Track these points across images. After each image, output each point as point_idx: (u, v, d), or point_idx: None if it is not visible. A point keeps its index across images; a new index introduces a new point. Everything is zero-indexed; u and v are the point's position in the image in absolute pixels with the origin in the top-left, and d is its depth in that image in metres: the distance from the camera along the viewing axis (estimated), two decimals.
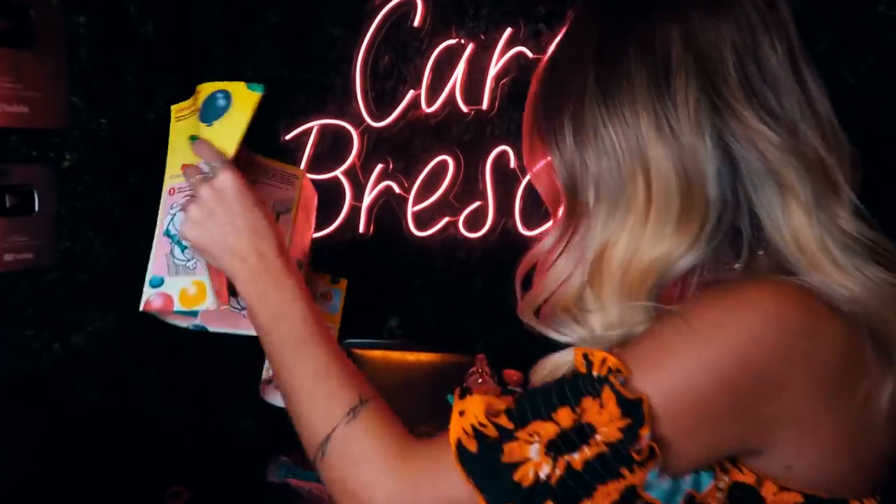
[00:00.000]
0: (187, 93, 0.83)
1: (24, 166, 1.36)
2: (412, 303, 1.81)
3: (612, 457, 0.56)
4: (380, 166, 1.74)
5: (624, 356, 0.59)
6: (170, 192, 0.83)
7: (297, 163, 1.70)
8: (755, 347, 0.56)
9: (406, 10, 1.70)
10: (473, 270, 1.78)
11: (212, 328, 0.88)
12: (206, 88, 0.82)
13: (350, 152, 1.72)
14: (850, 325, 0.59)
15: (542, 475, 0.57)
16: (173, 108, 0.86)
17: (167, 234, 0.82)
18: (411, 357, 1.64)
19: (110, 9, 1.48)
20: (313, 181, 0.96)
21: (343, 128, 1.72)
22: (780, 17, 0.64)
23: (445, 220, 1.76)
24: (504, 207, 1.73)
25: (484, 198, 1.75)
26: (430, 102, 1.72)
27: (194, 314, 0.85)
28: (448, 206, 1.75)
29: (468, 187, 1.75)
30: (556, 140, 0.66)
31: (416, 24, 1.70)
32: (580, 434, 0.57)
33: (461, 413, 0.61)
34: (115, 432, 1.52)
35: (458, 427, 0.60)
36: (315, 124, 1.71)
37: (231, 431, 1.73)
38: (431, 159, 1.74)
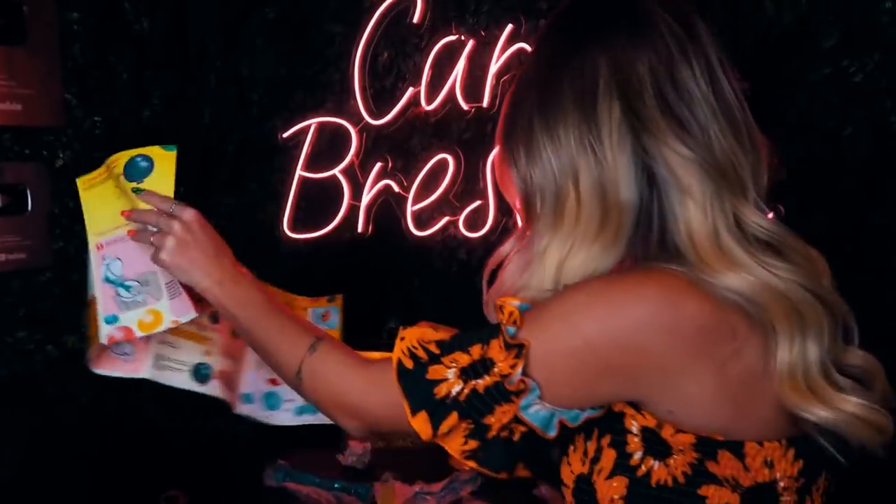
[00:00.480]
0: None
1: (17, 165, 1.36)
2: (412, 303, 1.80)
3: (503, 386, 0.71)
4: (379, 165, 1.72)
5: (526, 314, 0.73)
6: (98, 247, 0.97)
7: (295, 161, 1.68)
8: (621, 322, 0.70)
9: (405, 6, 1.68)
10: (473, 270, 1.76)
11: (96, 371, 1.01)
12: (120, 157, 0.98)
13: (348, 151, 1.70)
14: (719, 301, 0.70)
15: (454, 392, 0.73)
16: (79, 180, 1.01)
17: (107, 280, 0.96)
18: None
19: (104, 4, 1.46)
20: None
21: (341, 126, 1.70)
22: (698, 40, 0.74)
23: (445, 219, 1.74)
24: (505, 207, 1.70)
25: (484, 197, 1.73)
26: (429, 100, 1.70)
27: None
28: (448, 205, 1.74)
29: (468, 186, 1.73)
30: (514, 156, 0.79)
31: (415, 20, 1.68)
32: (484, 365, 0.73)
33: (402, 338, 0.78)
34: (110, 435, 1.51)
35: (398, 348, 0.77)
36: (313, 122, 1.69)
37: (228, 434, 1.71)
38: (431, 158, 1.72)
